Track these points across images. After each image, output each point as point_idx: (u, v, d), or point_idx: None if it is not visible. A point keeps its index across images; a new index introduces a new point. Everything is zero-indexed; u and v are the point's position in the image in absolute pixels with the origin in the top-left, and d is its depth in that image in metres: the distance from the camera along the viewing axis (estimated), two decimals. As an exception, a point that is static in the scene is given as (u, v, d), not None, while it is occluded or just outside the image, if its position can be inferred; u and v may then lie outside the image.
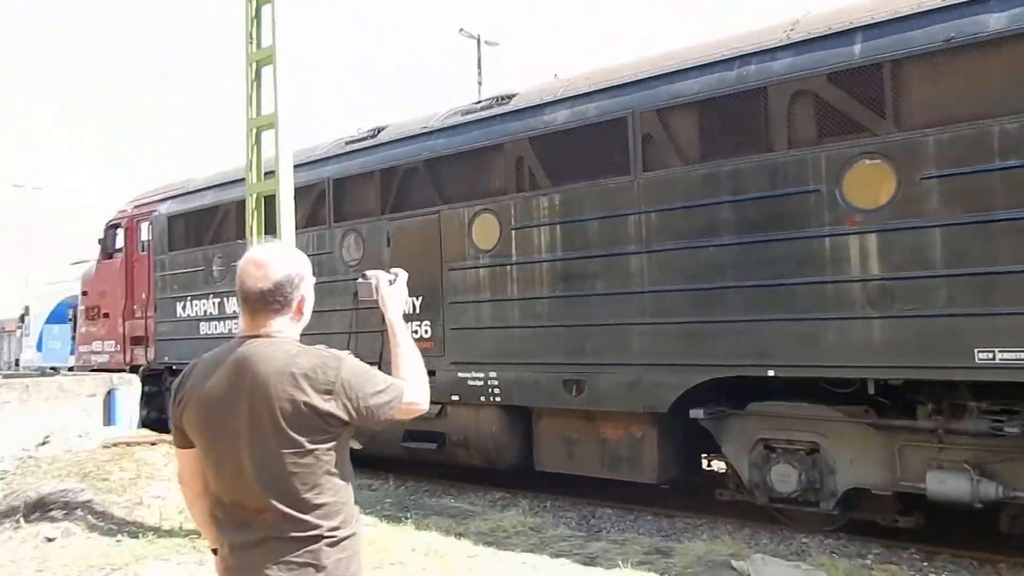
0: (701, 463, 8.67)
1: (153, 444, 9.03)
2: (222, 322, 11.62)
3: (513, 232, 8.41)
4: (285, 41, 7.00)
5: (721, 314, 6.92)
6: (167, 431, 10.81)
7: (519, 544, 6.56)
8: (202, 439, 2.27)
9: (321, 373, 2.21)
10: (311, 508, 2.20)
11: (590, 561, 6.02)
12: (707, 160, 7.08)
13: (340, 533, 2.25)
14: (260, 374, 2.18)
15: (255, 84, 7.25)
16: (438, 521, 7.26)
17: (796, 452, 6.89)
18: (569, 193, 7.98)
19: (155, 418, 11.46)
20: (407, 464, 10.09)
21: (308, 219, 10.37)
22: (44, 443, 8.77)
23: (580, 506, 8.41)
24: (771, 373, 6.64)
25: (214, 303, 11.76)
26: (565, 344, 7.95)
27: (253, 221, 7.19)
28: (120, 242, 13.86)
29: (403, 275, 2.70)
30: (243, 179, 11.43)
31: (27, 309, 27.43)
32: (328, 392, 2.20)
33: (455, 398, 8.86)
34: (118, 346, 13.53)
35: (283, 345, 2.26)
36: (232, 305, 11.40)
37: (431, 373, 9.06)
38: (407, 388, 2.40)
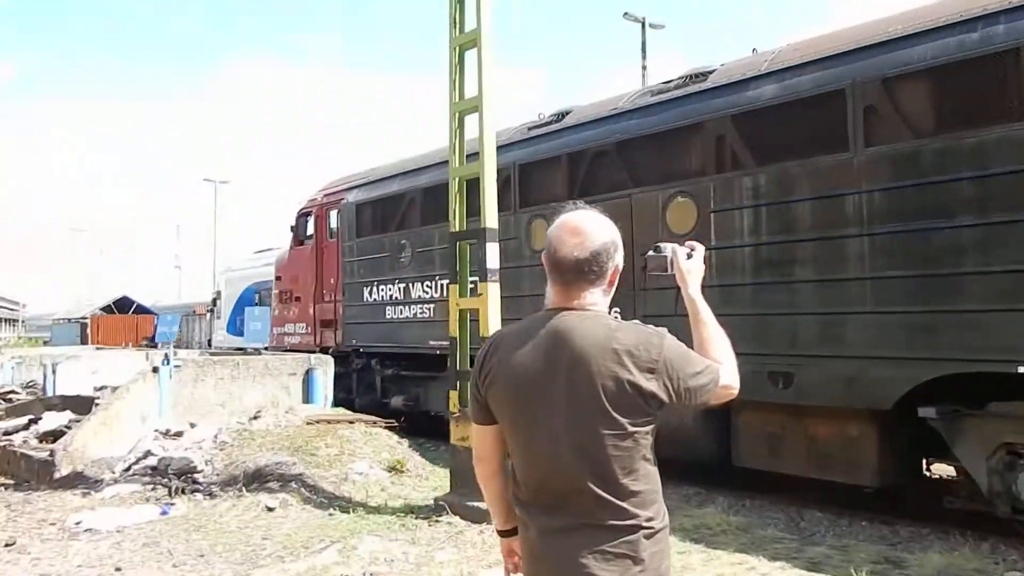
0: (921, 467, 7.94)
1: (351, 423, 9.36)
2: (407, 307, 11.92)
3: (712, 215, 8.02)
4: (489, 24, 6.96)
5: (959, 303, 6.25)
6: (354, 410, 11.31)
7: (729, 543, 6.23)
8: (512, 416, 2.14)
9: (644, 350, 2.03)
10: (628, 495, 2.03)
11: (813, 567, 5.61)
12: (943, 133, 6.41)
13: (656, 524, 2.07)
14: (580, 349, 2.03)
15: (458, 68, 7.26)
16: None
17: (1049, 459, 6.13)
18: (776, 173, 7.50)
19: (343, 398, 11.91)
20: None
21: (494, 205, 10.41)
22: (256, 417, 9.28)
23: (783, 506, 7.93)
24: (1021, 370, 5.93)
25: (400, 288, 12.08)
26: (770, 334, 7.50)
27: (456, 205, 7.22)
28: (310, 229, 14.53)
29: (700, 249, 2.49)
30: (429, 166, 11.72)
31: (218, 294, 29.63)
32: (651, 371, 2.02)
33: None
34: (309, 328, 14.21)
35: (601, 319, 2.09)
36: (418, 290, 11.67)
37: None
38: (722, 371, 2.20)
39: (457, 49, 7.26)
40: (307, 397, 10.74)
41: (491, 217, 6.84)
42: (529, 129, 10.61)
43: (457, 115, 7.30)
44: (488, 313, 6.76)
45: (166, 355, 9.70)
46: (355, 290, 13.10)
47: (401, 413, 12.13)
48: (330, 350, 13.49)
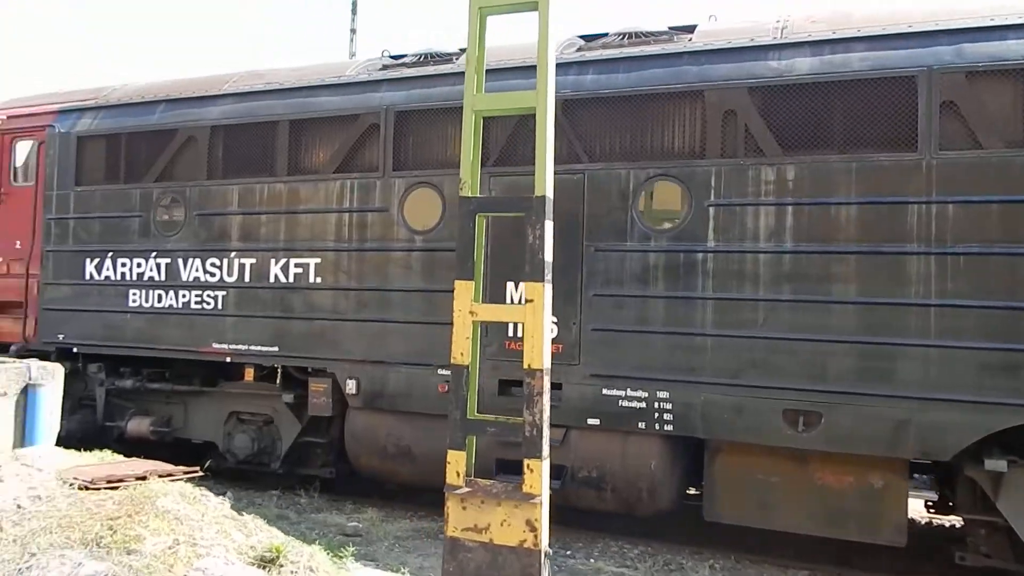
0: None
1: (143, 479, 5.86)
2: (173, 292, 8.26)
3: (711, 209, 6.36)
4: None
5: (1052, 341, 5.43)
6: (92, 447, 7.41)
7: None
8: None
9: None
10: None
11: None
12: (1042, 144, 5.55)
13: None
14: None
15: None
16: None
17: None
18: (811, 166, 6.10)
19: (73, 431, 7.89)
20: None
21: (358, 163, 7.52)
22: (-26, 481, 5.30)
23: (782, 569, 6.55)
24: None
25: (160, 264, 8.34)
26: (788, 362, 6.08)
27: (472, 155, 4.51)
28: (-23, 165, 9.68)
29: None
30: (227, 94, 8.28)
31: None
32: None
33: (592, 422, 6.62)
34: (-37, 313, 9.40)
35: None
36: (195, 270, 8.13)
37: (555, 386, 6.81)
38: None
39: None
40: (25, 434, 6.70)
41: (548, 179, 4.33)
42: (405, 66, 7.88)
43: (480, 13, 4.59)
44: (539, 330, 4.26)
45: None
46: (68, 262, 8.86)
47: (142, 442, 8.41)
48: (13, 348, 9.02)
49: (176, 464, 6.48)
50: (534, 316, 4.28)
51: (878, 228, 5.88)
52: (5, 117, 9.44)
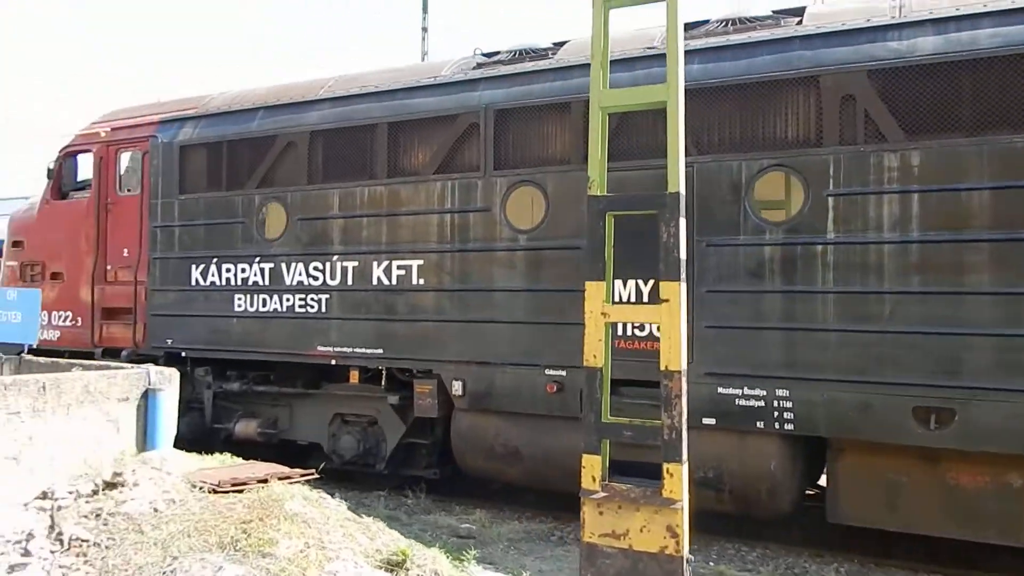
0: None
1: (264, 481, 5.95)
2: (274, 296, 8.39)
3: (830, 199, 6.12)
4: None
5: None
6: (203, 450, 7.58)
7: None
8: None
9: None
10: None
11: None
12: None
13: None
14: None
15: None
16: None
17: None
18: (939, 151, 5.80)
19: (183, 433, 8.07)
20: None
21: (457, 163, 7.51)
22: (115, 484, 5.45)
23: (911, 573, 6.29)
24: None
25: (263, 269, 8.48)
26: (919, 358, 5.80)
27: (599, 153, 4.41)
28: (84, 176, 10.03)
29: None
30: (324, 99, 8.37)
31: None
32: None
33: (708, 421, 6.45)
34: (78, 320, 9.74)
35: None
36: (298, 274, 8.24)
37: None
38: None
39: None
40: (147, 437, 6.89)
41: (681, 175, 4.21)
42: (501, 63, 7.82)
43: (604, 7, 4.48)
44: (676, 330, 4.14)
45: (-82, 377, 5.34)
46: (174, 269, 9.10)
47: (249, 443, 8.58)
48: (124, 353, 9.31)
49: (284, 465, 6.59)
50: (670, 316, 4.16)
51: (1014, 213, 5.57)
52: (110, 129, 9.74)
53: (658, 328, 6.41)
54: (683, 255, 4.23)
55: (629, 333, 6.65)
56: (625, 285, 6.72)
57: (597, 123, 4.44)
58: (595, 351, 4.33)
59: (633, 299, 6.66)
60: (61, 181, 10.10)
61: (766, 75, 6.42)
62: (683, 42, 4.41)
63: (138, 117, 9.74)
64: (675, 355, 4.13)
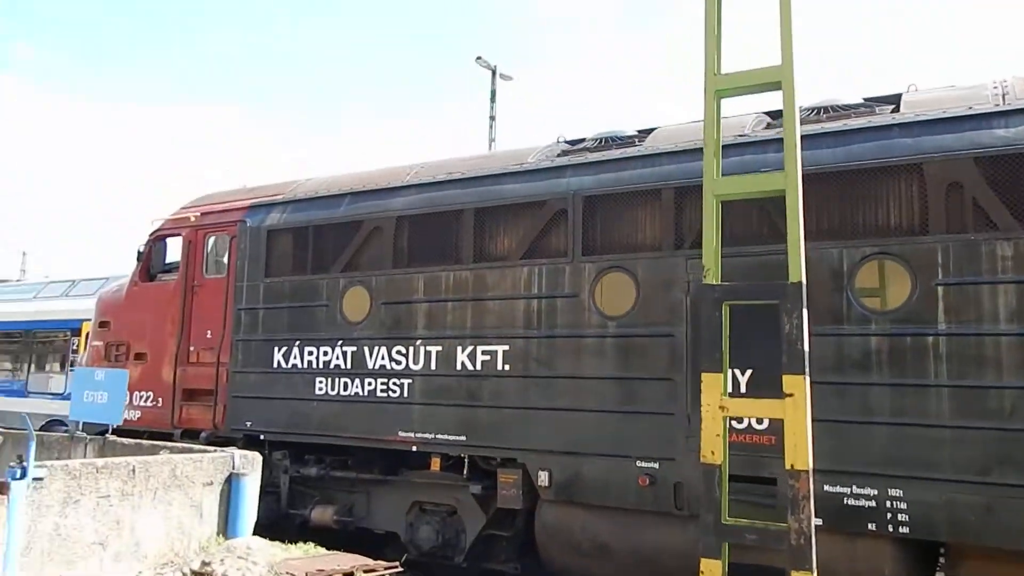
0: None
1: (349, 574, 5.78)
2: (356, 379, 8.36)
3: (939, 288, 5.88)
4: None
5: None
6: (277, 535, 7.45)
7: None
8: None
9: None
10: None
11: None
12: None
13: None
14: None
15: (716, 14, 4.47)
16: None
17: None
18: (1059, 239, 5.55)
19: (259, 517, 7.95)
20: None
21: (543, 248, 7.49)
22: (203, 574, 5.34)
23: None
24: None
25: (345, 352, 8.48)
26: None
27: (714, 240, 4.32)
28: (172, 258, 10.30)
29: None
30: (410, 185, 8.49)
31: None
32: None
33: (816, 522, 6.07)
34: (159, 400, 9.84)
35: None
36: (381, 358, 8.21)
37: (769, 481, 6.37)
38: None
39: (718, -10, 4.48)
40: (229, 522, 6.81)
41: (802, 264, 4.07)
42: (587, 150, 7.87)
43: (716, 96, 4.46)
44: (801, 427, 3.92)
45: (20, 460, 5.36)
46: (256, 351, 9.17)
47: (325, 530, 8.42)
48: (203, 435, 9.33)
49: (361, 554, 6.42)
50: (795, 411, 3.96)
51: None
52: (199, 213, 10.04)
53: (759, 420, 6.24)
54: (807, 347, 4.05)
55: (737, 425, 6.40)
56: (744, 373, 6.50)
57: (711, 211, 4.35)
58: (713, 447, 4.13)
59: (730, 389, 6.43)
60: (150, 263, 10.39)
61: (866, 163, 6.30)
62: (799, 130, 4.34)
63: (227, 202, 10.03)
64: (802, 453, 3.91)
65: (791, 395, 3.98)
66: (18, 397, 18.04)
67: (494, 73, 22.64)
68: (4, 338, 18.74)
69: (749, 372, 6.37)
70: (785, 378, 4.04)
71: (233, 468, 6.95)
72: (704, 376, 4.22)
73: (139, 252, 10.40)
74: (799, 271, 4.03)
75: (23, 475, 5.23)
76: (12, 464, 5.31)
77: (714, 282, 4.27)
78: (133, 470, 6.10)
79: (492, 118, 22.16)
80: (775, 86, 4.22)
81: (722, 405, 4.13)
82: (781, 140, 6.66)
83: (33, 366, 18.02)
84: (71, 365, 17.33)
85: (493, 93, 22.25)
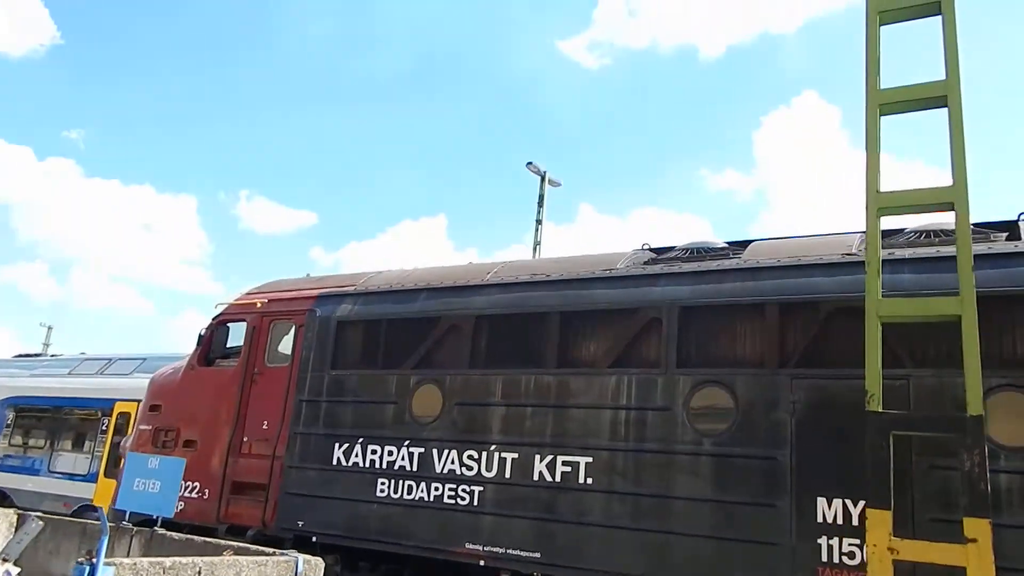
0: None
1: None
2: (422, 483, 7.94)
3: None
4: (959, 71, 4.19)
5: None
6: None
7: None
8: None
9: None
10: None
11: None
12: None
13: None
14: None
15: (875, 129, 4.31)
16: None
17: None
18: None
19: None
20: None
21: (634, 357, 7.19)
22: None
23: None
24: None
25: (411, 453, 8.10)
26: None
27: (876, 358, 4.02)
28: (233, 344, 10.08)
29: None
30: (492, 284, 8.31)
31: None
32: None
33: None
34: (206, 492, 9.42)
35: None
36: (451, 462, 7.82)
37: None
38: None
39: (877, 110, 4.34)
40: (289, 632, 6.28)
41: (980, 395, 3.75)
42: (679, 260, 7.68)
43: (877, 215, 4.26)
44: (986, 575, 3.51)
45: (89, 556, 4.97)
46: (315, 445, 8.80)
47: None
48: (250, 532, 8.86)
49: None
50: (979, 559, 3.56)
51: None
52: (267, 300, 9.88)
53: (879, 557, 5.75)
54: (988, 487, 3.69)
55: (836, 560, 5.91)
56: (830, 505, 6.06)
57: (874, 333, 4.07)
58: (882, 591, 3.71)
59: (841, 521, 5.98)
60: (210, 348, 10.17)
61: (991, 290, 6.03)
62: (973, 251, 4.11)
63: (295, 290, 9.88)
64: (991, 608, 3.49)
65: (974, 540, 3.58)
66: (32, 475, 17.31)
67: (543, 178, 22.94)
68: (29, 412, 18.39)
69: (862, 504, 5.93)
70: (967, 521, 3.66)
71: (296, 573, 6.48)
72: (870, 512, 3.84)
73: (200, 335, 10.20)
74: (979, 403, 3.71)
75: (92, 573, 4.83)
76: (81, 560, 4.91)
77: (878, 409, 3.94)
78: (199, 572, 5.66)
79: (539, 221, 22.33)
80: (946, 206, 4.02)
81: (891, 547, 3.73)
82: (900, 262, 6.48)
83: (59, 444, 17.57)
84: (100, 446, 16.88)
85: (541, 197, 22.50)
